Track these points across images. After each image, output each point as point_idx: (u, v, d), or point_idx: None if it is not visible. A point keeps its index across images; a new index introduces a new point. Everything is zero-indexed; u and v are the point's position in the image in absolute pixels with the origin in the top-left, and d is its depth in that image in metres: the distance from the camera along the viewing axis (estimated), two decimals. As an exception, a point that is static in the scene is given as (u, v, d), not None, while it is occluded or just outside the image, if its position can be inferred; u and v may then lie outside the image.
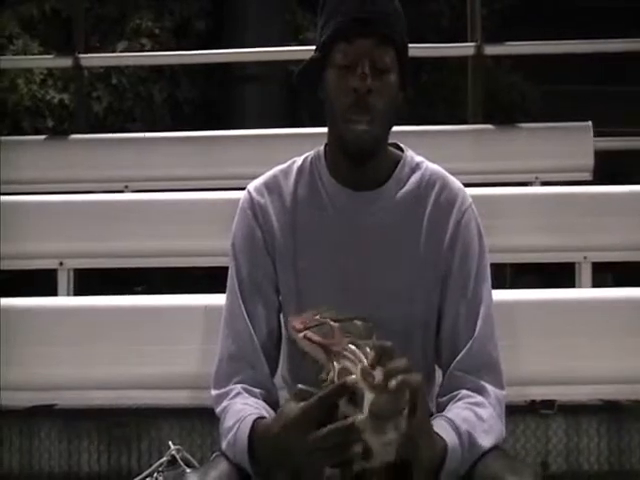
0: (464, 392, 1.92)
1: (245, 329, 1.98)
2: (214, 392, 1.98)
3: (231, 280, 2.04)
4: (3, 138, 5.89)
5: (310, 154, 2.09)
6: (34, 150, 5.49)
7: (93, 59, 6.78)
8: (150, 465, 2.56)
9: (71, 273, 4.28)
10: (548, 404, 3.05)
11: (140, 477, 2.57)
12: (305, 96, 2.07)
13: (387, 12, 1.93)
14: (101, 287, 4.08)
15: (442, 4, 9.92)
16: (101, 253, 4.20)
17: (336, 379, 1.59)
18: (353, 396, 1.56)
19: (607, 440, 3.02)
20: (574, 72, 9.92)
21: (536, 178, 5.12)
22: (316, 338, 1.67)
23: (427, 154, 2.10)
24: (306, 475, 1.63)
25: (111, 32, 8.84)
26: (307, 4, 9.08)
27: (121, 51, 8.45)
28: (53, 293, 4.20)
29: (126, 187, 5.21)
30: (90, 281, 4.65)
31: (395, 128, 2.00)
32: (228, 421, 1.87)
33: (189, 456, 2.55)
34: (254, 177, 2.11)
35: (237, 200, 2.08)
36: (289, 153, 2.18)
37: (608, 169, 5.43)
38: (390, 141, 2.05)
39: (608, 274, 5.65)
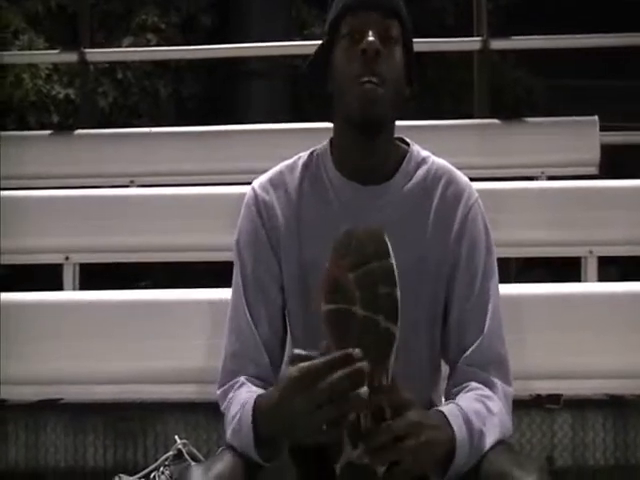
0: (473, 384, 1.91)
1: (248, 326, 1.99)
2: (219, 390, 1.99)
3: (235, 277, 2.04)
4: (9, 133, 5.90)
5: (316, 149, 2.09)
6: (40, 145, 5.49)
7: (98, 54, 6.77)
8: (156, 459, 2.57)
9: (77, 268, 4.29)
10: (554, 398, 3.05)
11: (146, 471, 2.58)
12: (312, 90, 2.06)
13: None
14: (106, 282, 4.09)
15: (446, 2, 9.92)
16: (107, 248, 4.20)
17: None
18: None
19: (613, 435, 3.02)
20: (580, 66, 9.90)
21: (542, 172, 5.12)
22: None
23: (433, 149, 2.10)
24: (309, 436, 1.62)
25: (117, 27, 8.85)
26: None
27: (127, 46, 8.46)
28: (59, 288, 4.21)
29: (132, 182, 5.22)
30: (96, 276, 4.65)
31: (401, 122, 2.00)
32: (232, 410, 1.87)
33: (195, 450, 2.56)
34: (259, 172, 2.10)
35: (242, 195, 2.08)
36: (294, 148, 2.17)
37: (614, 163, 5.42)
38: (396, 135, 2.05)
39: (614, 268, 5.64)
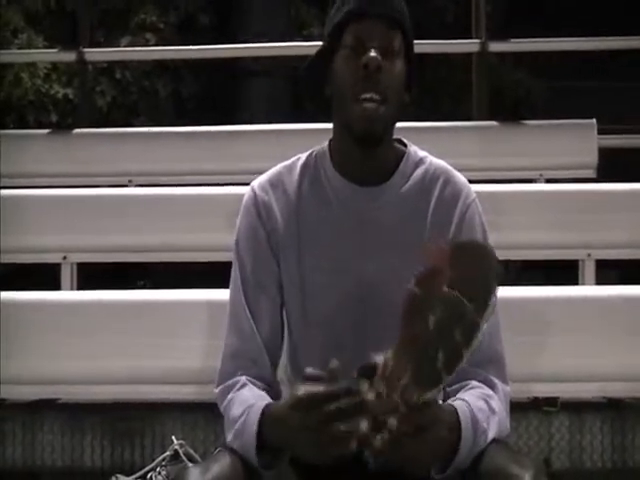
0: (475, 383, 1.92)
1: (248, 326, 1.99)
2: (218, 388, 1.98)
3: (234, 277, 2.04)
4: (7, 132, 5.90)
5: (315, 150, 2.09)
6: (38, 144, 5.49)
7: (97, 54, 6.78)
8: (153, 459, 2.56)
9: (75, 267, 4.28)
10: (551, 401, 3.05)
11: (143, 471, 2.57)
12: (310, 91, 2.06)
13: (397, 1, 1.96)
14: (104, 281, 4.09)
15: (446, 1, 9.92)
16: (105, 247, 4.20)
17: None
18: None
19: (610, 438, 3.02)
20: (579, 68, 9.91)
21: (540, 175, 5.12)
22: None
23: (431, 150, 2.10)
24: (315, 456, 1.65)
25: (115, 27, 8.84)
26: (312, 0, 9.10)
27: (125, 46, 8.46)
28: (57, 287, 4.21)
29: (130, 181, 5.21)
30: (94, 275, 4.65)
31: (399, 124, 2.00)
32: (235, 410, 1.87)
33: (192, 451, 2.55)
34: (259, 172, 2.10)
35: (241, 195, 2.08)
36: (294, 148, 2.17)
37: (612, 166, 5.42)
38: (394, 136, 2.05)
39: (612, 272, 5.65)
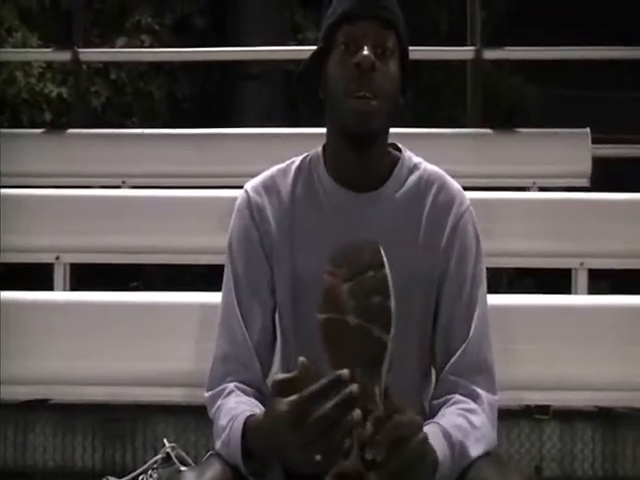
0: (457, 397, 1.91)
1: (239, 330, 1.98)
2: (207, 394, 1.98)
3: (227, 280, 2.03)
4: (1, 130, 5.88)
5: (309, 154, 2.08)
6: (32, 143, 5.48)
7: (92, 54, 6.78)
8: (144, 461, 2.56)
9: (67, 268, 4.28)
10: (543, 409, 3.05)
11: (134, 474, 2.57)
12: (305, 95, 2.06)
13: (390, 2, 1.96)
14: (97, 282, 4.09)
15: (441, 8, 9.92)
16: (98, 248, 4.20)
17: None
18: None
19: (601, 446, 3.03)
20: (574, 77, 9.93)
21: (534, 183, 5.13)
22: None
23: (425, 156, 2.10)
24: (304, 468, 1.60)
25: (111, 27, 8.83)
26: (307, 4, 9.09)
27: (120, 47, 8.45)
28: (49, 287, 4.20)
29: (123, 183, 5.21)
30: (86, 276, 4.64)
31: (394, 130, 2.00)
32: (222, 420, 1.86)
33: (183, 454, 2.55)
34: (252, 175, 2.10)
35: (234, 198, 2.08)
36: (288, 152, 2.17)
37: (606, 176, 5.43)
38: (388, 142, 2.05)
39: (604, 281, 5.66)
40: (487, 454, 1.84)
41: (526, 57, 6.87)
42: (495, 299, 2.10)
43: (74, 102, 6.80)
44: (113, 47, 8.34)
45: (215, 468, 1.80)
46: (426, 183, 2.02)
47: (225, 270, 2.04)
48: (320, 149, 2.07)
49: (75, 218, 4.19)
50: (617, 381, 2.92)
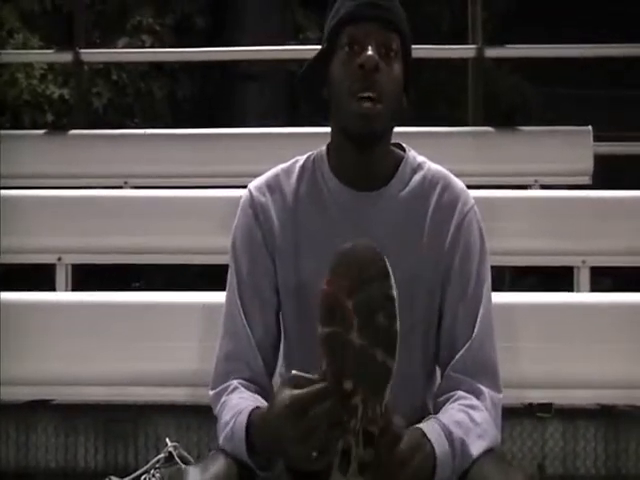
0: (460, 393, 1.91)
1: (242, 329, 1.98)
2: (212, 392, 1.98)
3: (231, 279, 2.03)
4: (2, 132, 5.88)
5: (313, 153, 2.09)
6: (33, 144, 5.48)
7: (93, 55, 6.77)
8: (147, 461, 2.56)
9: (69, 268, 4.28)
10: (545, 407, 3.05)
11: (137, 474, 2.57)
12: (308, 95, 2.06)
13: (393, 4, 1.97)
14: (99, 283, 4.09)
15: (442, 7, 9.92)
16: (99, 249, 4.19)
17: None
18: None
19: (604, 444, 3.02)
20: (575, 75, 9.93)
21: (535, 181, 5.12)
22: None
23: (427, 155, 2.10)
24: (301, 463, 1.64)
25: (112, 28, 8.84)
26: (308, 4, 9.09)
27: (121, 47, 8.45)
28: (51, 288, 4.20)
29: (125, 183, 5.21)
30: (88, 277, 4.64)
31: (395, 129, 2.00)
32: (225, 416, 1.87)
33: (186, 453, 2.55)
34: (253, 175, 2.10)
35: (236, 198, 2.08)
36: (289, 152, 2.17)
37: (608, 173, 5.43)
38: (392, 141, 2.05)
39: (606, 279, 5.66)
40: (489, 451, 1.83)
41: (527, 55, 6.86)
42: (497, 297, 2.10)
43: (75, 103, 6.81)
44: (114, 48, 8.35)
45: (220, 463, 1.81)
46: (430, 182, 2.02)
47: (229, 269, 2.04)
48: (324, 148, 2.07)
49: (77, 219, 4.19)
50: (619, 379, 2.92)
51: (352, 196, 2.00)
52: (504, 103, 9.40)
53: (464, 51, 6.14)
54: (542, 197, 4.46)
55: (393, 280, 1.62)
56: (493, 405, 1.92)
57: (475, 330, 1.95)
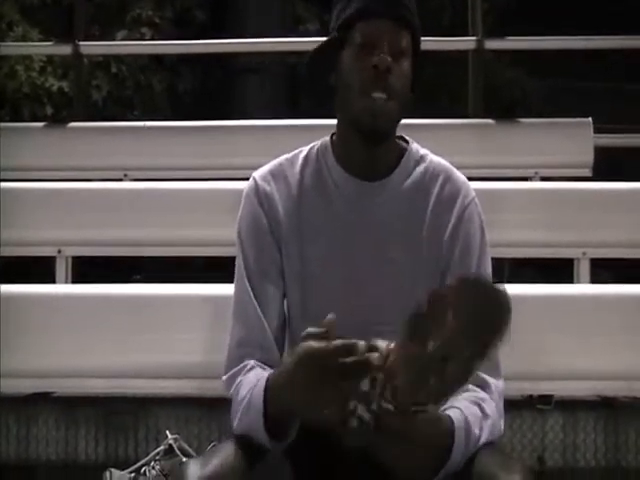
0: (469, 385, 1.92)
1: (254, 314, 1.99)
2: (225, 377, 1.98)
3: (238, 268, 2.04)
4: (2, 124, 5.88)
5: (316, 144, 2.10)
6: (33, 137, 5.47)
7: (93, 47, 6.77)
8: (147, 454, 2.57)
9: (69, 261, 4.28)
10: (545, 399, 3.05)
11: (137, 465, 2.58)
12: (314, 81, 2.07)
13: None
14: (99, 275, 4.08)
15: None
16: (99, 241, 4.19)
17: None
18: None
19: (604, 436, 3.02)
20: (576, 67, 9.92)
21: (535, 173, 5.11)
22: None
23: (428, 147, 2.11)
24: (310, 414, 1.65)
25: (111, 21, 8.83)
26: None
27: (121, 40, 8.44)
28: (51, 281, 4.20)
29: (125, 176, 5.20)
30: (88, 269, 4.64)
31: (397, 121, 2.01)
32: (242, 392, 1.88)
33: (186, 445, 2.56)
34: (253, 168, 2.11)
35: (236, 190, 2.08)
36: (289, 144, 2.18)
37: (608, 165, 5.43)
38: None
39: (606, 271, 5.66)
40: (489, 443, 1.83)
41: (527, 47, 6.85)
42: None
43: (75, 96, 6.79)
44: (114, 40, 8.34)
45: (221, 457, 1.80)
46: (432, 175, 2.04)
47: (236, 259, 2.05)
48: (328, 139, 2.09)
49: (77, 211, 4.19)
50: (620, 371, 2.91)
51: (356, 186, 2.02)
52: (504, 96, 9.39)
53: (464, 43, 6.13)
54: (542, 189, 4.45)
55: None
56: (498, 395, 1.93)
57: None
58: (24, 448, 3.09)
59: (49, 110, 8.25)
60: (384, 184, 2.02)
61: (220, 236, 2.64)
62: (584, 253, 4.08)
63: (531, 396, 3.06)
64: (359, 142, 1.99)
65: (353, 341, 1.61)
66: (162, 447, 2.57)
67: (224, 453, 1.82)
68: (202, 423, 3.03)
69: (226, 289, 2.15)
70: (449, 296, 1.56)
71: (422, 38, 2.02)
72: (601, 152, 5.38)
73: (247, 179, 2.10)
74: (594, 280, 4.08)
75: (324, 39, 2.04)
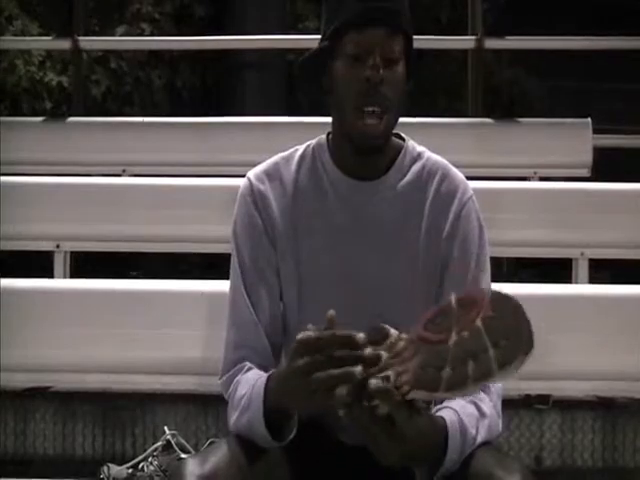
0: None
1: (248, 315, 1.98)
2: (223, 377, 1.98)
3: (233, 268, 2.04)
4: (1, 119, 5.88)
5: (312, 142, 2.09)
6: (32, 132, 5.48)
7: (92, 42, 6.77)
8: (145, 449, 2.57)
9: (67, 256, 4.28)
10: (543, 399, 3.05)
11: (135, 461, 2.58)
12: (306, 86, 2.06)
13: (397, 1, 1.94)
14: (97, 271, 4.09)
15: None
16: (98, 236, 4.20)
17: None
18: None
19: (601, 436, 3.03)
20: (576, 67, 9.92)
21: (534, 173, 5.12)
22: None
23: (426, 146, 2.10)
24: (304, 398, 1.66)
25: (111, 16, 8.82)
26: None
27: (120, 35, 8.43)
28: (49, 275, 4.20)
29: (124, 171, 5.21)
30: (86, 264, 4.64)
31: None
32: (241, 390, 1.88)
33: (184, 441, 2.56)
34: (252, 164, 2.10)
35: (234, 187, 2.08)
36: (288, 141, 2.18)
37: (606, 166, 5.43)
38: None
39: (605, 271, 5.67)
40: (486, 443, 1.84)
41: (527, 47, 6.86)
42: (495, 288, 2.10)
43: (74, 91, 6.78)
44: (113, 36, 8.33)
45: (219, 454, 1.81)
46: (429, 172, 2.03)
47: (231, 258, 2.05)
48: (324, 137, 2.08)
49: (75, 206, 4.19)
50: (617, 371, 2.92)
51: (351, 185, 2.01)
52: (504, 95, 9.39)
53: (463, 42, 6.13)
54: (541, 189, 4.46)
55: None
56: (497, 395, 1.93)
57: None
58: (21, 442, 3.09)
59: (48, 105, 8.23)
60: (380, 183, 2.01)
61: (219, 232, 2.63)
62: (582, 253, 4.09)
63: (529, 395, 3.06)
64: (353, 150, 1.98)
65: (351, 332, 1.62)
66: (160, 443, 2.57)
67: (222, 450, 1.82)
68: (200, 419, 3.03)
69: (224, 285, 2.14)
70: (483, 301, 1.59)
71: (422, 37, 2.01)
72: (600, 152, 5.39)
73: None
74: (592, 280, 4.09)
75: (316, 47, 2.01)
